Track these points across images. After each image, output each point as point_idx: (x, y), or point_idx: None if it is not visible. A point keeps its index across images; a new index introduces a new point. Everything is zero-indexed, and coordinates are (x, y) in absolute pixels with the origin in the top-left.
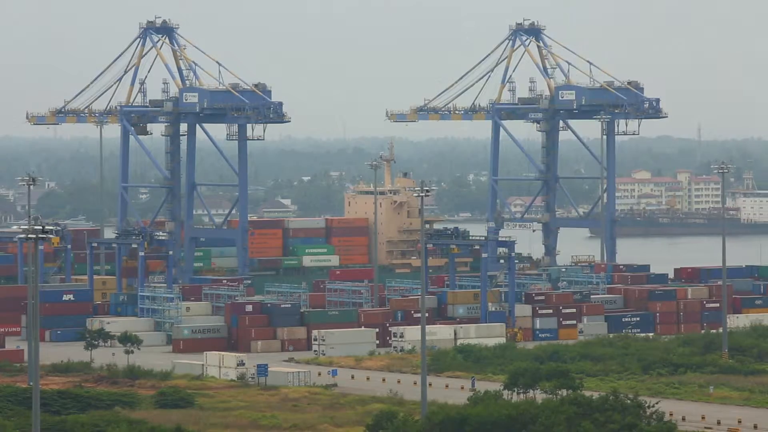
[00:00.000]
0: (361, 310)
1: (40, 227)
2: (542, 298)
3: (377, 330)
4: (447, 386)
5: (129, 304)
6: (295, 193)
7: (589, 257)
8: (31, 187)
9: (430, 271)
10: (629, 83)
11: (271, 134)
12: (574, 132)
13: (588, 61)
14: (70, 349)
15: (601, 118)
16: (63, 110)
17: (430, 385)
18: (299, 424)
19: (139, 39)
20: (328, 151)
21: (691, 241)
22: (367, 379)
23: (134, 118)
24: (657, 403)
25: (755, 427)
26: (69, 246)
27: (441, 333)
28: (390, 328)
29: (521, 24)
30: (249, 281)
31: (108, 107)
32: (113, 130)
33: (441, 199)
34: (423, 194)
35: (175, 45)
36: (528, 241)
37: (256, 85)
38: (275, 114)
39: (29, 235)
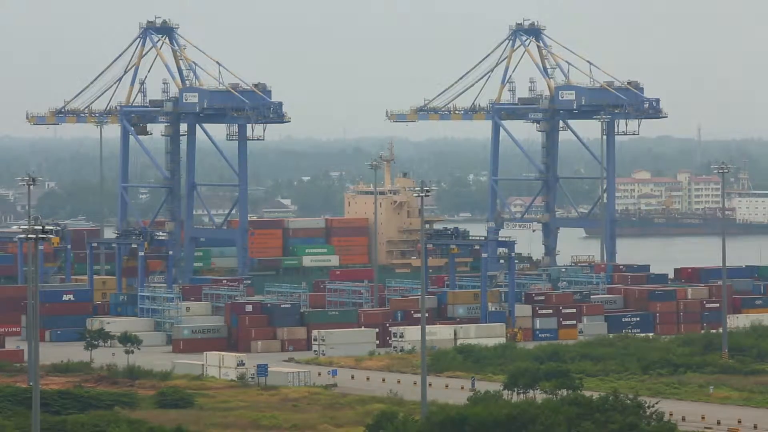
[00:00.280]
0: (361, 310)
1: (40, 227)
2: (542, 298)
3: (377, 330)
4: (447, 386)
5: (129, 304)
6: (295, 193)
7: (589, 257)
8: (31, 187)
9: (430, 271)
10: (629, 83)
11: (271, 134)
12: (574, 132)
13: (588, 61)
14: (70, 349)
15: (601, 118)
16: (63, 110)
17: (430, 385)
18: (299, 424)
19: (139, 39)
20: (328, 151)
21: (687, 242)
22: (367, 379)
23: (134, 118)
24: (657, 403)
25: (755, 427)
26: (69, 246)
27: (441, 333)
28: (390, 328)
29: (521, 24)
30: (249, 281)
31: (108, 107)
32: (113, 130)
33: (441, 199)
34: (423, 194)
35: (175, 45)
36: (528, 242)
37: (256, 85)
38: (275, 114)
39: (29, 235)
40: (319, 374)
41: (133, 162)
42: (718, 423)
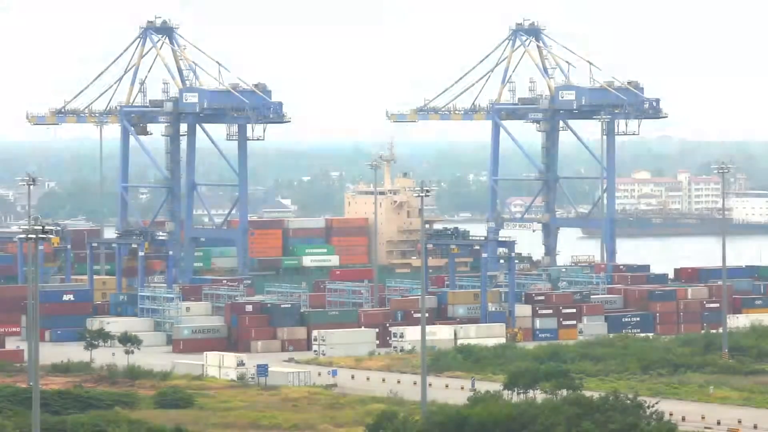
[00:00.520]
0: (361, 310)
1: (40, 227)
2: (542, 298)
3: (377, 330)
4: (447, 386)
5: (129, 304)
6: (295, 193)
7: (589, 257)
8: (31, 187)
9: (430, 271)
10: (629, 83)
11: (271, 134)
12: (574, 132)
13: (588, 61)
14: (70, 349)
15: (601, 118)
16: (63, 110)
17: (430, 385)
18: (299, 424)
19: (139, 39)
20: (328, 151)
21: (684, 242)
22: (367, 379)
23: (134, 118)
24: (657, 403)
25: (755, 427)
26: (69, 246)
27: (441, 333)
28: (390, 328)
29: (521, 24)
30: (249, 281)
31: (108, 107)
32: (113, 130)
33: (441, 199)
34: (423, 194)
35: (175, 45)
36: (528, 242)
37: (256, 85)
38: (275, 114)
39: (29, 235)
40: (319, 374)
41: (133, 162)
42: (718, 423)
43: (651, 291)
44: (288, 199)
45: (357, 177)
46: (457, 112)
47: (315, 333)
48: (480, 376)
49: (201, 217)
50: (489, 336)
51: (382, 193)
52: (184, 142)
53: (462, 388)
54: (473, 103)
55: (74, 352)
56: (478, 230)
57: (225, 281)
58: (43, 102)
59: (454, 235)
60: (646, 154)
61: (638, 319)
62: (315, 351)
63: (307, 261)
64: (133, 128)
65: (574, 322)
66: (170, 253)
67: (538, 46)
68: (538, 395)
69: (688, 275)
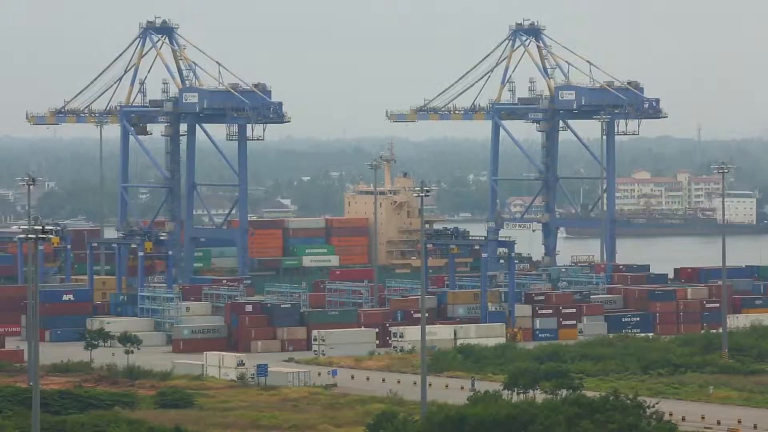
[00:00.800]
0: (361, 310)
1: (40, 227)
2: (542, 298)
3: (377, 330)
4: (447, 386)
5: (129, 304)
6: (295, 193)
7: (588, 257)
8: (31, 187)
9: (430, 271)
10: (629, 83)
11: (271, 134)
12: (574, 132)
13: (588, 61)
14: (70, 349)
15: (601, 118)
16: (63, 110)
17: (430, 385)
18: (299, 424)
19: (139, 39)
20: (328, 151)
21: (667, 242)
22: (367, 379)
23: (134, 118)
24: (657, 403)
25: (755, 427)
26: (69, 246)
27: (441, 333)
28: (390, 328)
29: (521, 24)
30: (249, 281)
31: (108, 107)
32: (113, 130)
33: (441, 199)
34: (423, 194)
35: (175, 45)
36: (528, 242)
37: (256, 85)
38: (275, 114)
39: (29, 235)
40: (319, 374)
41: (133, 162)
42: (718, 423)
43: (651, 291)
44: (288, 199)
45: (357, 177)
46: (457, 112)
47: (315, 333)
48: (480, 376)
49: (201, 217)
50: (489, 336)
51: (382, 193)
52: (184, 142)
53: (462, 388)
54: (473, 103)
55: (74, 352)
56: (478, 230)
57: (225, 281)
58: (43, 102)
59: (454, 235)
60: (646, 154)
61: (638, 319)
62: (315, 351)
63: (307, 261)
64: (133, 128)
65: (574, 322)
66: (170, 253)
67: (538, 46)
68: (538, 395)
69: (687, 275)
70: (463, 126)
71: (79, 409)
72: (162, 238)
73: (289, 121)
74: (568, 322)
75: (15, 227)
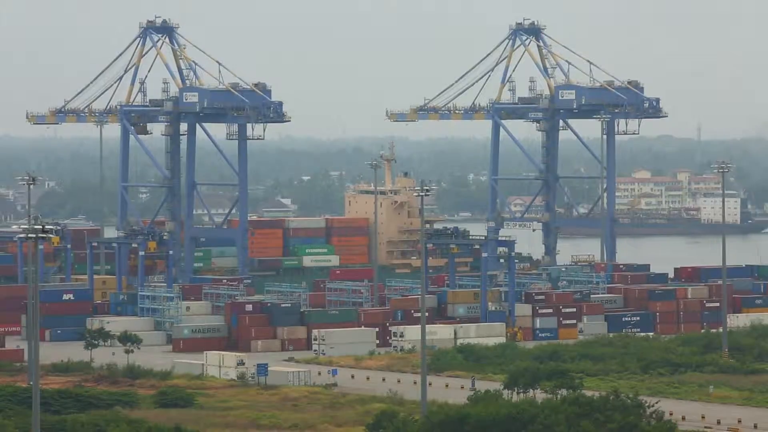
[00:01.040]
0: (361, 310)
1: (40, 227)
2: (542, 297)
3: (377, 330)
4: (447, 386)
5: (129, 303)
6: (295, 193)
7: (588, 257)
8: (31, 186)
9: (430, 271)
10: (629, 83)
11: (270, 134)
12: (574, 132)
13: (588, 61)
14: (70, 348)
15: (601, 117)
16: (63, 110)
17: (430, 384)
18: (299, 424)
19: (139, 39)
20: (328, 151)
21: (651, 242)
22: (367, 379)
23: (134, 118)
24: (657, 403)
25: (755, 427)
26: (69, 246)
27: (441, 333)
28: (390, 328)
29: (521, 24)
30: (249, 281)
31: (108, 107)
32: (113, 130)
33: (441, 199)
34: (423, 194)
35: (175, 45)
36: (528, 241)
37: (256, 85)
38: (275, 114)
39: (29, 235)
40: (319, 374)
41: (133, 162)
42: (718, 423)
43: (651, 290)
44: (288, 198)
45: (357, 177)
46: (457, 111)
47: (315, 332)
48: (480, 376)
49: (201, 217)
50: (489, 335)
51: (382, 192)
52: (184, 142)
53: (462, 387)
54: (473, 103)
55: (74, 351)
56: (478, 230)
57: (225, 281)
58: (44, 102)
59: (454, 234)
60: (646, 154)
61: (638, 318)
62: (315, 350)
63: (308, 261)
64: (133, 128)
65: (574, 321)
66: (170, 252)
67: (538, 46)
68: (538, 395)
69: (688, 275)
70: (463, 126)
71: (79, 409)
72: (165, 237)
73: (289, 121)
74: (568, 322)
75: (15, 227)
